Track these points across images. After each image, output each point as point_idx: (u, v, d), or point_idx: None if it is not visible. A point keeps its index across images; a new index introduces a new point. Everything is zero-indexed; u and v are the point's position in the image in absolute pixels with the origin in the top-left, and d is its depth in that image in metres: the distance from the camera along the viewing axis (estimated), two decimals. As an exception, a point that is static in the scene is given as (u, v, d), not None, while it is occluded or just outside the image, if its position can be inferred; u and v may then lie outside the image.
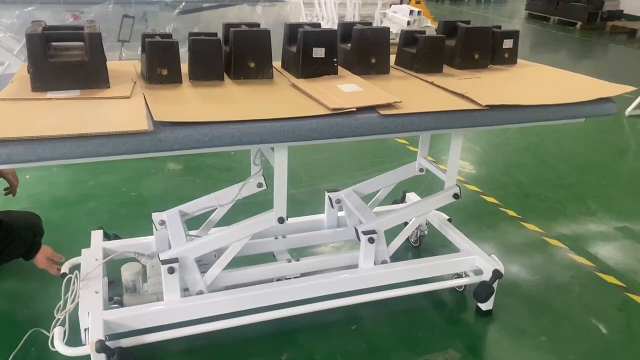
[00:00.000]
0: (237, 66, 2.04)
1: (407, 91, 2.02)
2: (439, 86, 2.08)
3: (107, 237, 2.35)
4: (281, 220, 2.02)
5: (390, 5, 8.14)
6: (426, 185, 3.35)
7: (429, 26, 7.63)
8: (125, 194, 3.26)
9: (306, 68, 2.08)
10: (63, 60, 1.74)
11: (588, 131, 4.83)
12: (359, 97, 1.86)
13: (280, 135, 1.66)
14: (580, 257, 2.83)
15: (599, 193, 3.62)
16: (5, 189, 2.48)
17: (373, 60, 2.23)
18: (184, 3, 3.96)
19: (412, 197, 2.82)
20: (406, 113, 1.78)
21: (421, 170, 2.55)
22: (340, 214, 2.58)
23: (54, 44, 1.85)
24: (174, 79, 1.94)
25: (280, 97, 1.88)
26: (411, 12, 7.40)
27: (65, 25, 1.96)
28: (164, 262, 1.89)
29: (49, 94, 1.70)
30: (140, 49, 2.04)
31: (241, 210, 2.26)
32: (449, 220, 2.63)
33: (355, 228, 2.22)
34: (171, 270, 1.90)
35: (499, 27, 2.52)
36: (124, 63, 2.19)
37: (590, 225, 3.18)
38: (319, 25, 2.23)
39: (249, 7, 4.16)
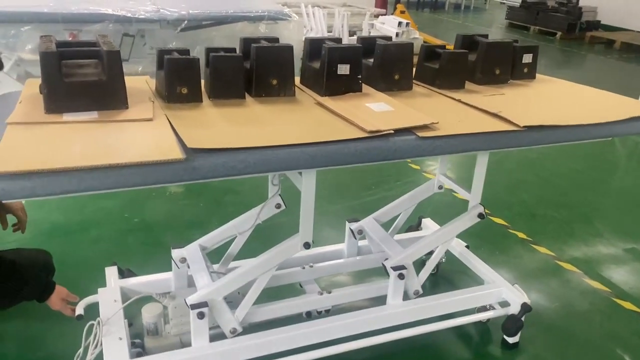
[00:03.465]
0: (258, 83, 1.94)
1: (437, 109, 1.94)
2: (467, 104, 2.01)
3: (120, 273, 2.21)
4: (307, 245, 1.92)
5: (377, 17, 8.13)
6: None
7: (417, 37, 7.64)
8: (128, 220, 3.10)
9: (330, 85, 1.99)
10: (79, 80, 1.61)
11: (582, 147, 4.83)
12: (393, 118, 1.77)
13: (319, 160, 1.56)
14: (595, 281, 2.79)
15: (602, 212, 3.60)
16: (13, 225, 2.27)
17: (396, 77, 2.15)
18: (186, 22, 3.83)
19: (427, 222, 2.74)
20: (444, 135, 1.70)
21: (440, 187, 2.48)
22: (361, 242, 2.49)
23: (64, 61, 1.72)
24: (194, 97, 1.83)
25: (309, 117, 1.78)
26: (399, 23, 7.39)
27: (76, 41, 1.83)
28: (193, 306, 1.77)
29: (65, 117, 1.57)
30: (156, 65, 1.91)
31: (253, 238, 2.16)
32: (467, 246, 2.56)
33: (384, 264, 2.12)
34: (201, 316, 1.77)
35: (517, 40, 2.47)
36: (136, 79, 2.06)
37: (599, 247, 3.15)
38: (340, 40, 2.15)
39: (251, 25, 4.05)
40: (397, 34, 7.23)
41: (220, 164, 1.44)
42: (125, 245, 2.85)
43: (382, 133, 1.65)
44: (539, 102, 2.14)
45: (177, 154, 1.38)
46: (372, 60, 2.16)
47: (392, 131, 1.66)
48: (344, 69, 2.00)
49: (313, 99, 1.96)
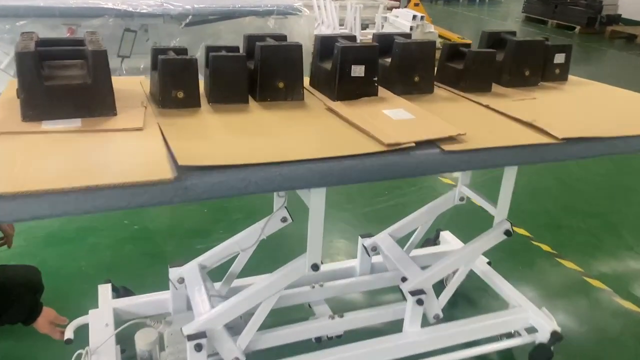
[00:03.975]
0: (264, 86, 1.75)
1: (462, 117, 1.74)
2: (496, 110, 1.81)
3: (115, 291, 2.03)
4: (315, 267, 1.73)
5: (390, 9, 7.88)
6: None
7: (432, 32, 7.39)
8: (127, 227, 2.91)
9: (343, 89, 1.79)
10: (61, 84, 1.43)
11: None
12: (414, 128, 1.57)
13: (330, 179, 1.37)
14: (627, 301, 2.58)
15: (632, 223, 3.37)
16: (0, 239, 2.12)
17: (416, 79, 1.95)
18: (190, 16, 3.62)
19: (446, 235, 2.54)
20: (474, 149, 1.50)
21: (461, 199, 2.28)
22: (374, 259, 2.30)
23: (47, 62, 1.53)
24: (192, 102, 1.65)
25: (319, 127, 1.58)
26: (414, 17, 7.14)
27: (60, 38, 1.64)
28: (190, 337, 1.58)
29: (44, 125, 1.40)
30: (150, 65, 1.73)
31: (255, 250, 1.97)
32: (489, 263, 2.36)
33: (401, 288, 1.93)
34: (199, 348, 1.59)
35: (547, 38, 2.26)
36: (129, 80, 1.88)
37: (629, 262, 2.93)
38: (354, 38, 1.95)
39: (260, 19, 3.83)
40: (411, 28, 6.99)
41: (216, 184, 1.25)
42: (123, 255, 2.68)
43: (401, 146, 1.45)
44: (574, 109, 1.93)
45: (166, 172, 1.19)
46: (388, 59, 1.96)
47: (414, 144, 1.46)
48: (358, 71, 1.80)
49: (323, 103, 1.77)
